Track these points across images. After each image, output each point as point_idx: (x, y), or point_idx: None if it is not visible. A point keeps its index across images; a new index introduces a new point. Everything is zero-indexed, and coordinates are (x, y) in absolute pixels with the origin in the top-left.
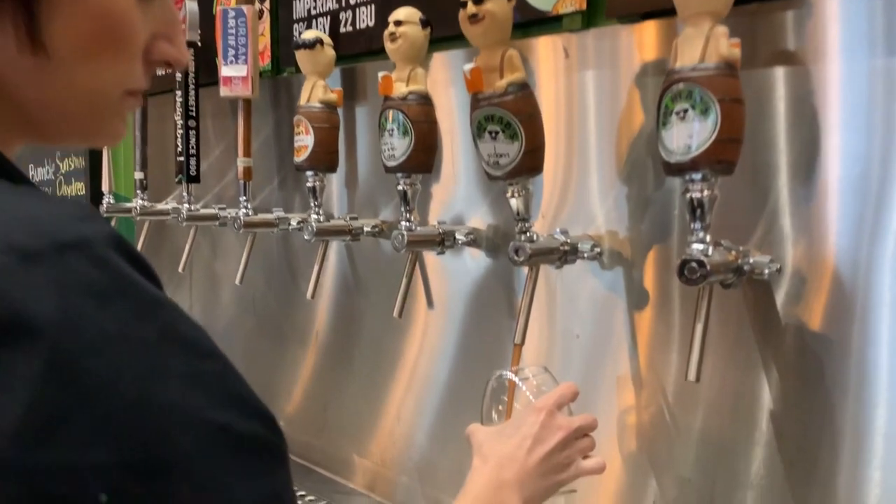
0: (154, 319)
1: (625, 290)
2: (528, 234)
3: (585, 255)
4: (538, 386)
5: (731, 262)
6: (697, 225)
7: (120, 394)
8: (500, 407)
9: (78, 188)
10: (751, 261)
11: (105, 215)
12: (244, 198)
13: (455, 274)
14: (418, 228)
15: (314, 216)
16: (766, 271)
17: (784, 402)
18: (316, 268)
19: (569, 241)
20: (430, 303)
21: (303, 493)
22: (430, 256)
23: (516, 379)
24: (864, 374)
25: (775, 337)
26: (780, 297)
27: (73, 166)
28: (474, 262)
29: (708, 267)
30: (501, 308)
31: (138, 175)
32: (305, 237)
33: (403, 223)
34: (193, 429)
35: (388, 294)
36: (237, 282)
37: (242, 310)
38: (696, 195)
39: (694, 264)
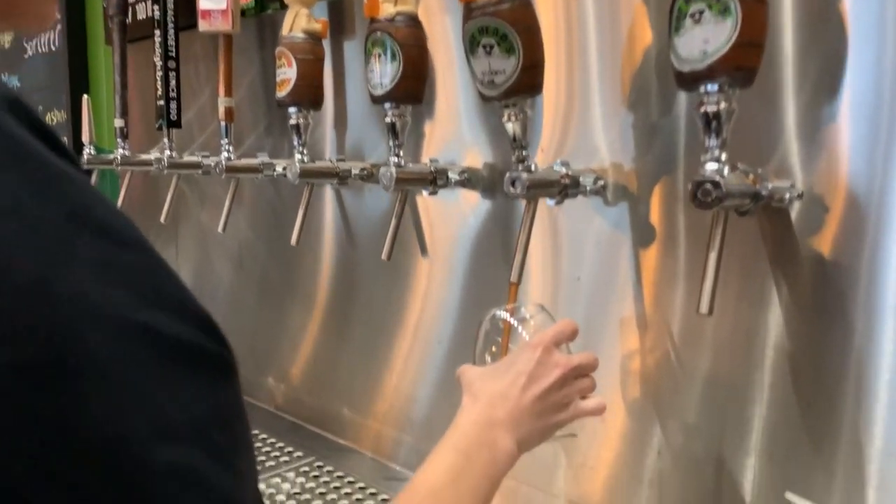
0: (59, 197)
1: (630, 226)
2: (525, 163)
3: (588, 188)
4: (535, 325)
5: (748, 187)
6: (713, 142)
7: (10, 278)
8: (494, 349)
9: None
10: (769, 186)
11: (86, 167)
12: (226, 140)
13: (449, 217)
14: (409, 165)
15: (298, 156)
16: (787, 196)
17: (799, 340)
18: (300, 212)
19: (570, 172)
20: (423, 249)
21: (300, 453)
22: (423, 200)
23: (511, 319)
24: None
25: (792, 270)
26: (798, 226)
27: (55, 120)
28: (469, 204)
29: (723, 189)
30: (499, 253)
31: (118, 123)
32: (289, 178)
33: (392, 159)
34: (106, 326)
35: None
36: (220, 229)
37: (233, 263)
38: (712, 108)
39: (708, 186)
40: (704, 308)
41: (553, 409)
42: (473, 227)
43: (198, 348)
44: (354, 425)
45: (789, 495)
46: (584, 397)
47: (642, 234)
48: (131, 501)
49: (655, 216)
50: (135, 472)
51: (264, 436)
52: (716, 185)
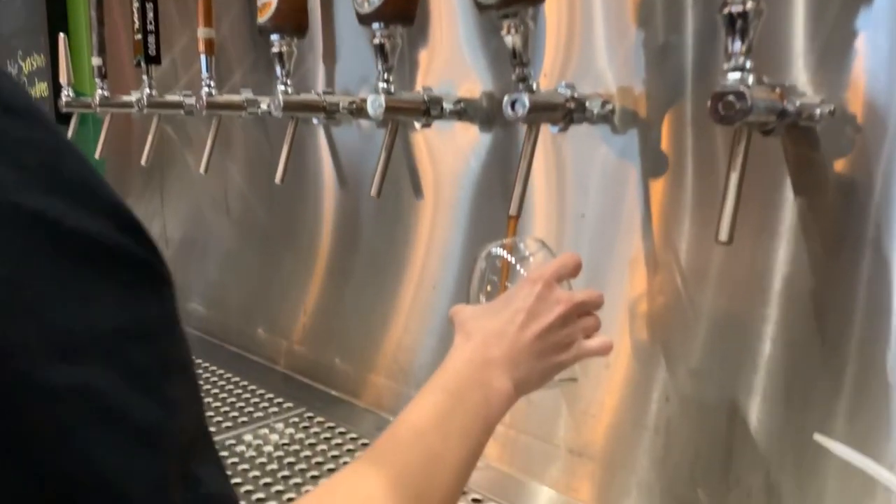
0: None
1: (639, 155)
2: (527, 82)
3: (595, 113)
4: (534, 263)
5: (774, 102)
6: (737, 47)
7: None
8: (490, 288)
9: (42, 89)
10: (797, 102)
11: (65, 110)
12: (206, 75)
13: (448, 154)
14: (401, 93)
15: (281, 87)
16: (817, 113)
17: (822, 276)
18: (285, 148)
19: (576, 95)
20: (417, 189)
21: (290, 404)
22: (418, 137)
23: (508, 256)
24: None
25: (818, 199)
26: (826, 148)
27: (35, 65)
28: (467, 139)
29: (749, 101)
30: (502, 191)
31: (96, 61)
32: (272, 112)
33: (380, 85)
34: None
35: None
36: (201, 170)
37: (221, 210)
38: (737, 8)
39: (731, 97)
40: (724, 236)
41: (554, 350)
42: (474, 163)
43: (113, 248)
44: (349, 376)
45: (818, 437)
46: (587, 337)
47: (653, 164)
48: (19, 433)
49: (667, 144)
50: (22, 395)
51: (253, 387)
52: (740, 96)
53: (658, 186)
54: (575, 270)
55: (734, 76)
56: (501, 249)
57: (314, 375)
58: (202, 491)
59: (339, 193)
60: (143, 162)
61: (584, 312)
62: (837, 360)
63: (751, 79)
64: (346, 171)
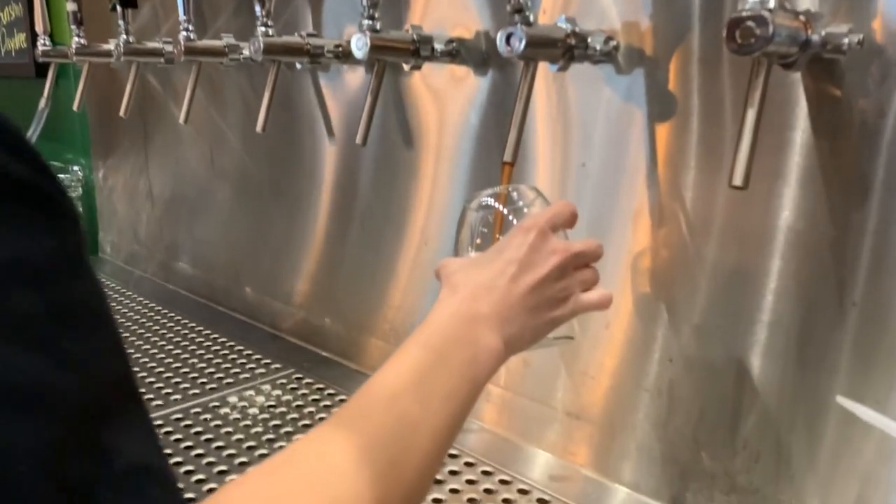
0: None
1: (645, 98)
2: (523, 13)
3: (598, 50)
4: (528, 212)
5: (798, 30)
6: None
7: None
8: (480, 241)
9: (20, 41)
10: (822, 32)
11: (41, 60)
12: (184, 18)
13: (439, 100)
14: (388, 32)
15: (262, 29)
16: (845, 42)
17: (843, 227)
18: (266, 95)
19: (577, 30)
20: (408, 139)
21: (278, 365)
22: (409, 83)
23: (500, 206)
24: None
25: (841, 143)
26: (852, 85)
27: (13, 15)
28: (461, 82)
29: (770, 27)
30: (496, 140)
31: (71, 6)
32: (252, 56)
33: (365, 22)
34: None
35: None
36: (181, 120)
37: (208, 164)
38: None
39: (750, 23)
40: (738, 180)
41: (548, 304)
42: (470, 110)
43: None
44: (340, 337)
45: (841, 399)
46: (584, 291)
47: (659, 107)
48: None
49: (675, 85)
50: None
51: (240, 348)
52: (760, 21)
53: (664, 131)
54: (571, 218)
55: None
56: (493, 199)
57: (304, 336)
58: (117, 464)
59: (330, 146)
60: (121, 113)
61: (582, 264)
62: (853, 317)
63: (772, 2)
64: (337, 122)
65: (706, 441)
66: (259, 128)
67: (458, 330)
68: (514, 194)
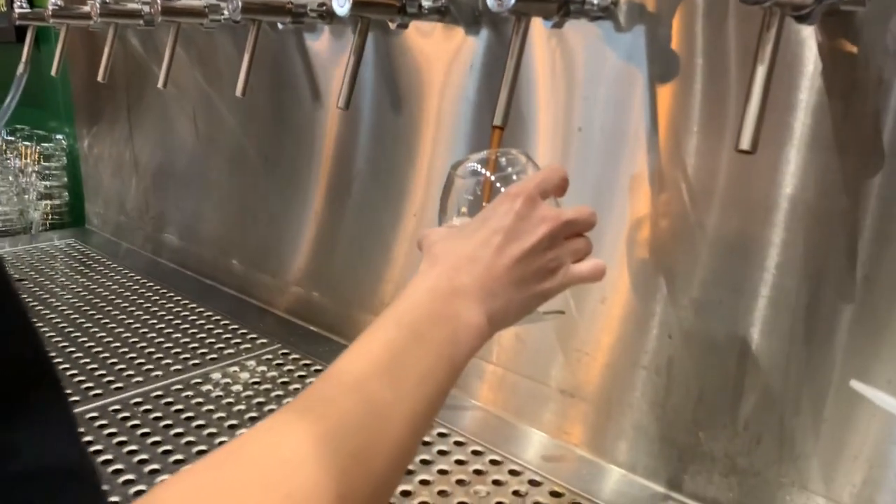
0: None
1: (646, 58)
2: None
3: (595, 4)
4: (517, 177)
5: None
6: None
7: None
8: (465, 209)
9: (0, 4)
10: None
11: (17, 23)
12: None
13: (430, 62)
14: None
15: None
16: None
17: (855, 200)
18: (246, 56)
19: None
20: (399, 105)
21: (264, 340)
22: (399, 44)
23: (484, 171)
24: None
25: (857, 106)
26: (870, 42)
27: None
28: (453, 43)
29: None
30: (489, 104)
31: None
32: (230, 15)
33: None
34: None
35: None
36: (160, 84)
37: (194, 131)
38: None
39: None
40: (746, 143)
41: (536, 276)
42: (462, 73)
43: None
44: (328, 311)
45: (855, 384)
46: (576, 261)
47: (662, 67)
48: None
49: (678, 43)
50: None
51: (226, 322)
52: None
53: (666, 93)
54: (561, 184)
55: None
56: (480, 165)
57: (293, 311)
58: (13, 466)
59: (321, 114)
60: (100, 78)
61: (573, 233)
62: (863, 292)
63: None
64: (327, 88)
65: (706, 421)
66: (238, 91)
67: (436, 305)
68: (504, 160)
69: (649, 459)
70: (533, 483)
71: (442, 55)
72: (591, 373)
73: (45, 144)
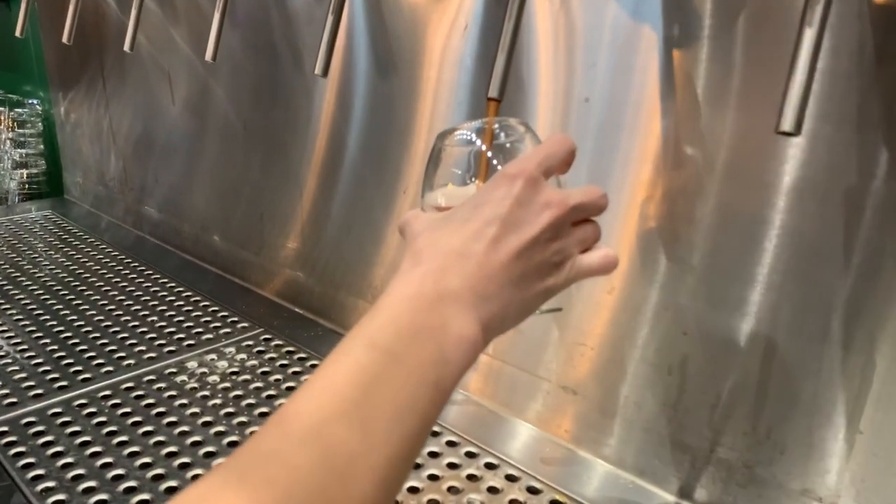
0: None
1: (661, 18)
2: None
3: None
4: (510, 146)
5: None
6: None
7: None
8: (452, 185)
9: None
10: None
11: None
12: None
13: (426, 27)
14: None
15: None
16: None
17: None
18: (216, 16)
19: None
20: (386, 70)
21: (245, 324)
22: (389, 7)
23: (475, 139)
24: None
25: None
26: None
27: None
28: (451, 7)
29: None
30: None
31: None
32: None
33: None
34: None
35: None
36: (126, 48)
37: (170, 99)
38: None
39: None
40: (789, 124)
41: (539, 272)
42: (461, 40)
43: None
44: (314, 293)
45: None
46: (584, 251)
47: (675, 30)
48: None
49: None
50: None
51: (206, 303)
52: None
53: (681, 59)
54: (568, 158)
55: None
56: (472, 134)
57: (277, 291)
58: None
59: (307, 83)
60: (64, 39)
61: (581, 219)
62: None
63: None
64: (309, 52)
65: (722, 427)
66: (208, 56)
67: (418, 317)
68: (500, 131)
69: (659, 464)
70: (532, 491)
71: (436, 16)
72: (596, 369)
73: (19, 110)
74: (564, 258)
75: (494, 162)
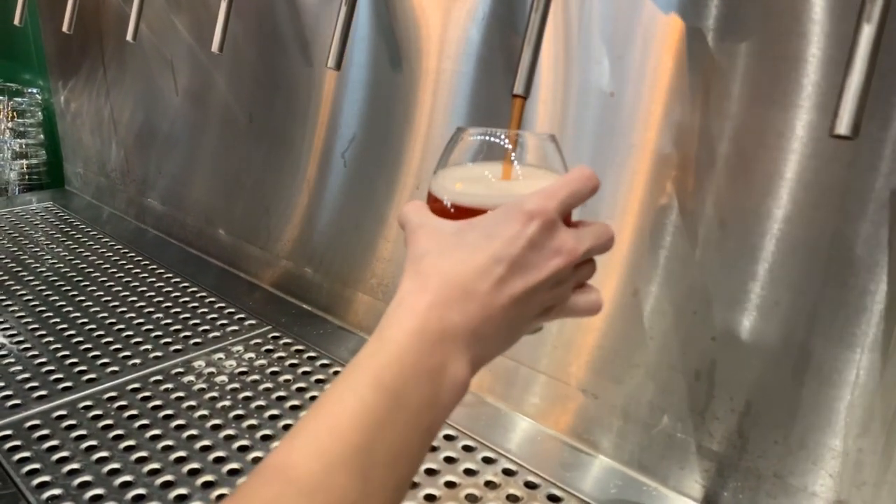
0: None
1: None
2: None
3: None
4: (533, 165)
5: None
6: None
7: None
8: (462, 186)
9: None
10: None
11: None
12: None
13: (435, 16)
14: None
15: None
16: None
17: None
18: (223, 6)
19: None
20: (398, 62)
21: (252, 321)
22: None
23: (502, 141)
24: None
25: None
26: None
27: None
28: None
29: None
30: (501, 64)
31: None
32: None
33: None
34: None
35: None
36: (129, 37)
37: (173, 89)
38: None
39: None
40: (845, 127)
41: (532, 314)
42: (469, 24)
43: None
44: (322, 289)
45: None
46: (577, 286)
47: (713, 19)
48: None
49: None
50: None
51: (212, 299)
52: None
53: (720, 51)
54: (589, 195)
55: None
56: (501, 139)
57: (283, 287)
58: None
59: (314, 74)
60: (64, 28)
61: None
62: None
63: None
64: (314, 42)
65: (752, 435)
66: (215, 47)
67: (421, 358)
68: (526, 142)
69: (684, 472)
70: (553, 499)
71: (444, 6)
72: (618, 372)
73: (19, 99)
74: (560, 301)
75: (518, 170)
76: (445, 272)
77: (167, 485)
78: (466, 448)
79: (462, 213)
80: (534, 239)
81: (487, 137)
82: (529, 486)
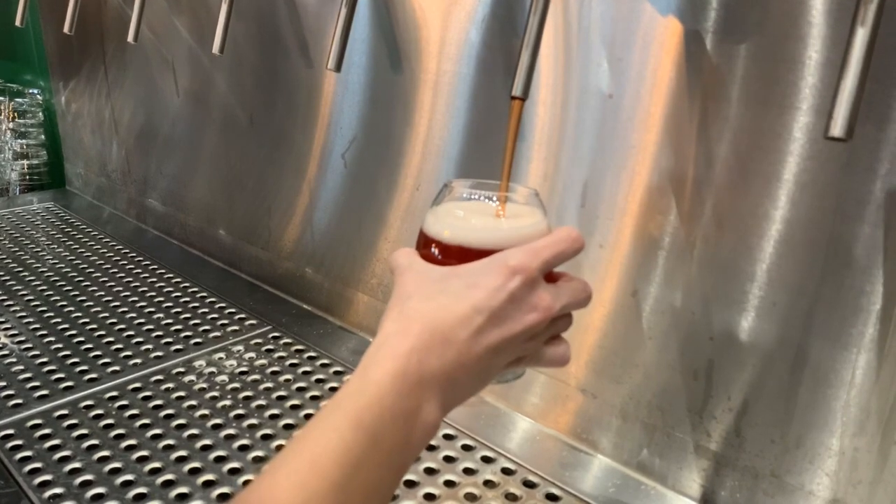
0: None
1: (689, 3)
2: None
3: None
4: (518, 220)
5: None
6: None
7: None
8: (449, 233)
9: None
10: None
11: None
12: None
13: (434, 18)
14: None
15: None
16: None
17: None
18: (224, 8)
19: None
20: (397, 63)
21: (253, 321)
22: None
23: (488, 198)
24: None
25: None
26: None
27: None
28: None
29: None
30: (501, 65)
31: None
32: None
33: None
34: None
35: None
36: (130, 38)
37: (174, 89)
38: None
39: None
40: (839, 129)
41: (504, 363)
42: (473, 32)
43: None
44: (322, 289)
45: None
46: (550, 338)
47: (714, 20)
48: None
49: None
50: None
51: (212, 299)
52: None
53: (719, 53)
54: (572, 255)
55: None
56: (482, 195)
57: (284, 287)
58: None
59: (313, 74)
60: (65, 29)
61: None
62: None
63: None
64: (315, 43)
65: (750, 434)
66: (216, 48)
67: (399, 400)
68: (517, 190)
69: (681, 470)
70: (552, 498)
71: (444, 5)
72: (616, 372)
73: (20, 100)
74: (531, 353)
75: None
76: (429, 318)
77: (168, 483)
78: (466, 447)
79: (451, 252)
80: (514, 293)
81: (477, 197)
82: (528, 485)
